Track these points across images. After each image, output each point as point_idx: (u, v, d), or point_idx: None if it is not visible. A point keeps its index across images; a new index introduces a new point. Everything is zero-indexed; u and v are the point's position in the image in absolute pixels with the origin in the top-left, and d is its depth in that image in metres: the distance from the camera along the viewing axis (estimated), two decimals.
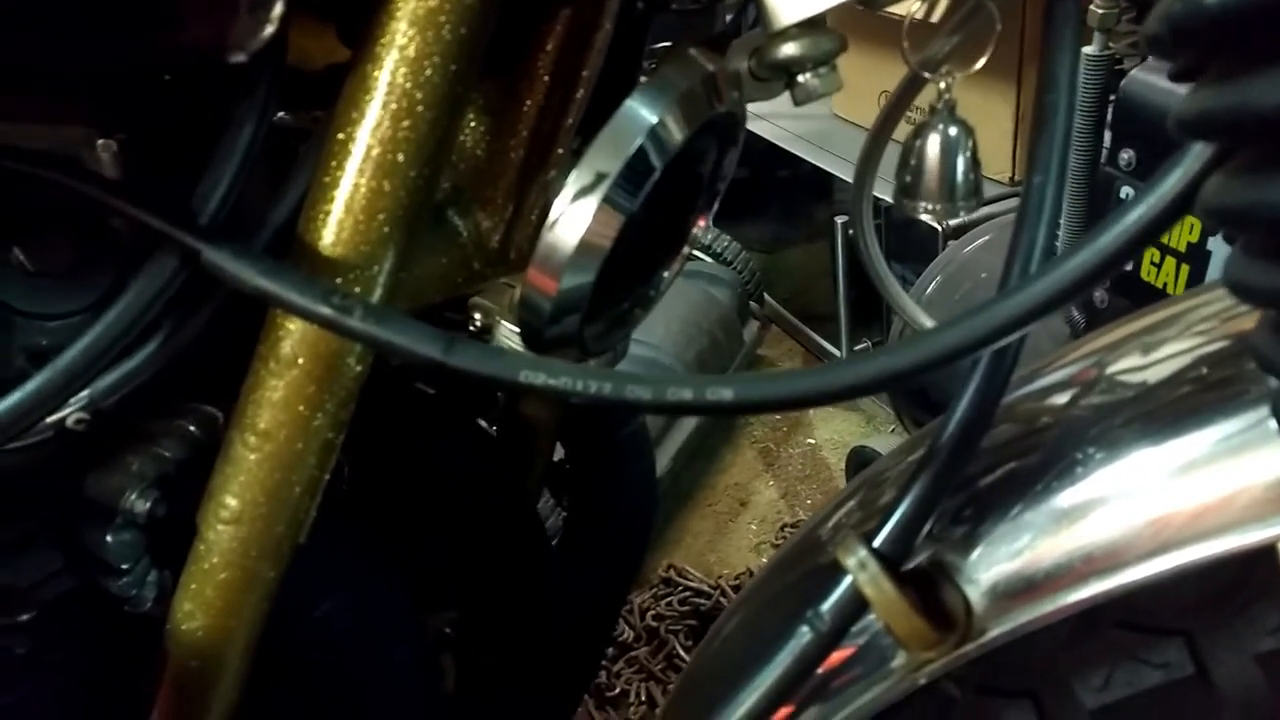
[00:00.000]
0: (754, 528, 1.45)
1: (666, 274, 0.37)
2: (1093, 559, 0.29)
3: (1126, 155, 0.89)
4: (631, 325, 0.37)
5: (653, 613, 1.20)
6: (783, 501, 1.51)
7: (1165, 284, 0.90)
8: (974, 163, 0.37)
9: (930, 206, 0.37)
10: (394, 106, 0.31)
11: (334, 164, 0.32)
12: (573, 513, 0.75)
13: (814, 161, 1.68)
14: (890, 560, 0.30)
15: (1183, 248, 0.87)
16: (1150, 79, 0.89)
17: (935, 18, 0.36)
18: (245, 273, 0.30)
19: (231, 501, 0.35)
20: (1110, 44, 0.91)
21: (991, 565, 0.31)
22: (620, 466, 0.76)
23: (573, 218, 0.29)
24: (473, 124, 0.38)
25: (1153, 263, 0.90)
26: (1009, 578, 0.31)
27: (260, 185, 0.35)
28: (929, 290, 1.28)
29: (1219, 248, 0.85)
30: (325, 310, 0.29)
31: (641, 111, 0.28)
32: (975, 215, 1.30)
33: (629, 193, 0.29)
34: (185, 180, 0.33)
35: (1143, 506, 0.29)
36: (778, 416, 1.72)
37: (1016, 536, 0.31)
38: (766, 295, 1.92)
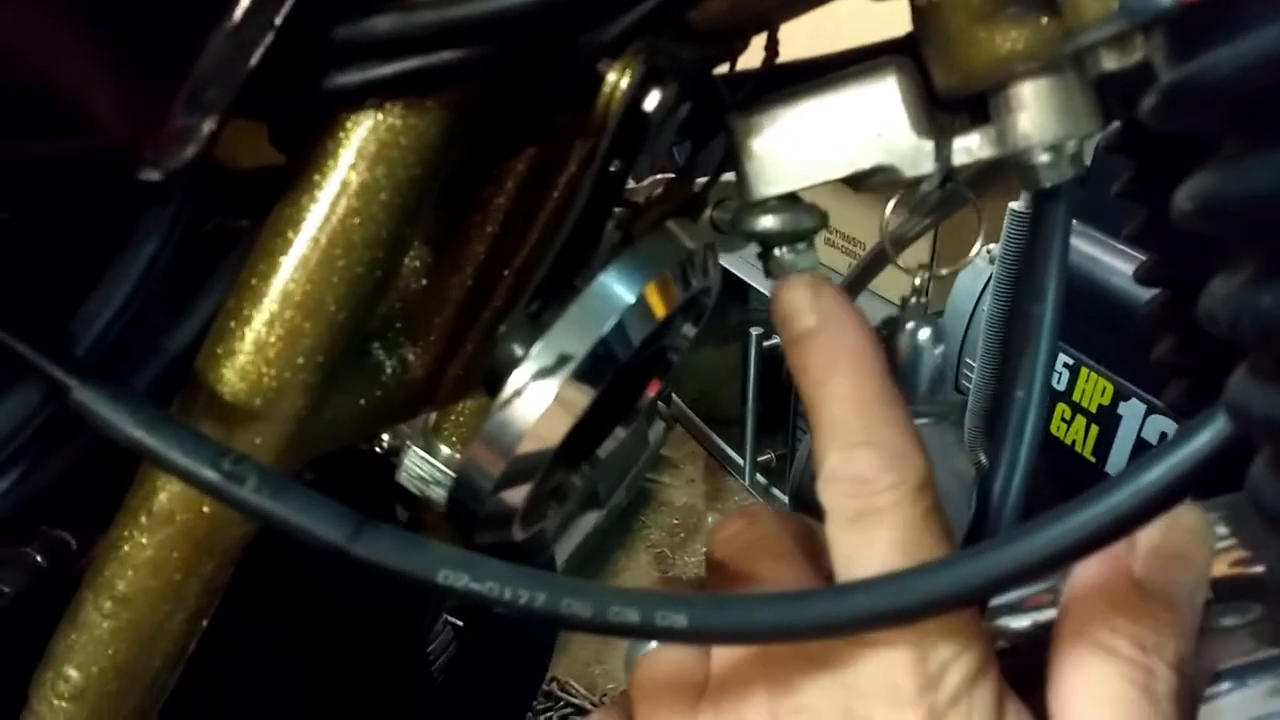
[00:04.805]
0: None
1: (612, 444, 0.33)
2: None
3: None
4: (569, 498, 0.33)
5: None
6: None
7: (1074, 441, 0.92)
8: (942, 361, 0.35)
9: None
10: (327, 243, 0.27)
11: (248, 296, 0.28)
12: (466, 630, 0.69)
13: (732, 269, 1.69)
14: None
15: (1094, 409, 0.89)
16: (1072, 241, 0.91)
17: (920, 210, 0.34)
18: (120, 420, 0.25)
19: (74, 674, 0.29)
20: None
21: None
22: None
23: (530, 399, 0.25)
24: (413, 255, 0.34)
25: (1063, 419, 0.92)
26: None
27: (158, 306, 0.31)
28: None
29: (1129, 412, 0.87)
30: (211, 475, 0.25)
31: (616, 290, 0.25)
32: None
33: (593, 378, 0.25)
34: (69, 294, 0.28)
35: None
36: (675, 520, 1.70)
37: None
38: (674, 395, 1.91)
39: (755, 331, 1.62)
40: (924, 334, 0.32)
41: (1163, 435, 0.85)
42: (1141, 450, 0.88)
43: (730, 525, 0.30)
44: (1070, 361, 0.92)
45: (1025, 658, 0.28)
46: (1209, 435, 0.21)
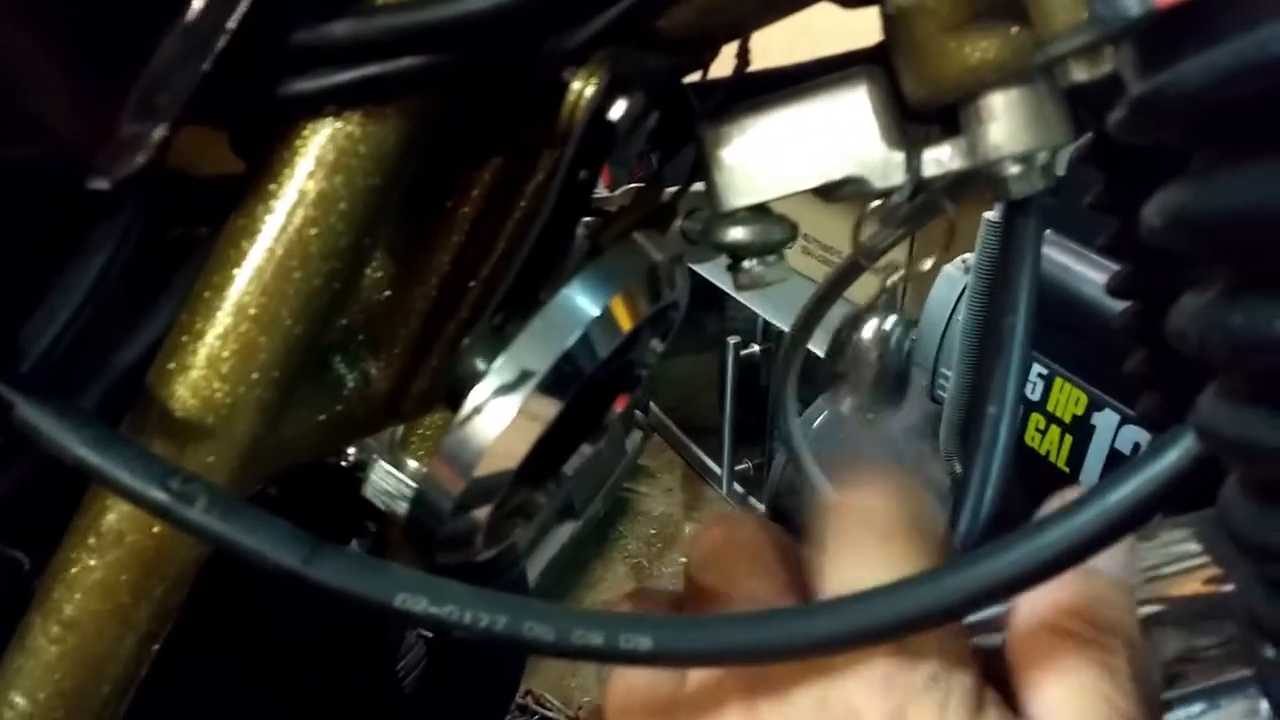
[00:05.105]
0: None
1: (578, 460, 0.33)
2: None
3: None
4: (533, 515, 0.33)
5: None
6: None
7: (1048, 452, 0.92)
8: (908, 358, 0.35)
9: (856, 400, 0.34)
10: (283, 254, 0.27)
11: (201, 309, 0.27)
12: (436, 644, 0.68)
13: (709, 277, 1.69)
14: None
15: (1068, 419, 0.89)
16: (1046, 250, 0.91)
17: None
18: (65, 438, 0.24)
19: (20, 701, 0.28)
20: None
21: None
22: (490, 583, 0.70)
23: (490, 416, 0.24)
24: (376, 266, 0.33)
25: (1038, 429, 0.92)
26: None
27: (110, 319, 0.30)
28: (816, 424, 1.28)
29: (1103, 422, 0.87)
30: (159, 495, 0.24)
31: (580, 303, 0.25)
32: None
33: (555, 394, 0.25)
34: (15, 308, 0.27)
35: None
36: (652, 530, 1.69)
37: None
38: (651, 404, 1.90)
39: (733, 340, 1.62)
40: (890, 323, 0.32)
41: (1136, 446, 0.85)
42: (1115, 461, 0.89)
43: (711, 533, 0.29)
44: (1044, 371, 0.92)
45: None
46: (1176, 454, 0.21)
